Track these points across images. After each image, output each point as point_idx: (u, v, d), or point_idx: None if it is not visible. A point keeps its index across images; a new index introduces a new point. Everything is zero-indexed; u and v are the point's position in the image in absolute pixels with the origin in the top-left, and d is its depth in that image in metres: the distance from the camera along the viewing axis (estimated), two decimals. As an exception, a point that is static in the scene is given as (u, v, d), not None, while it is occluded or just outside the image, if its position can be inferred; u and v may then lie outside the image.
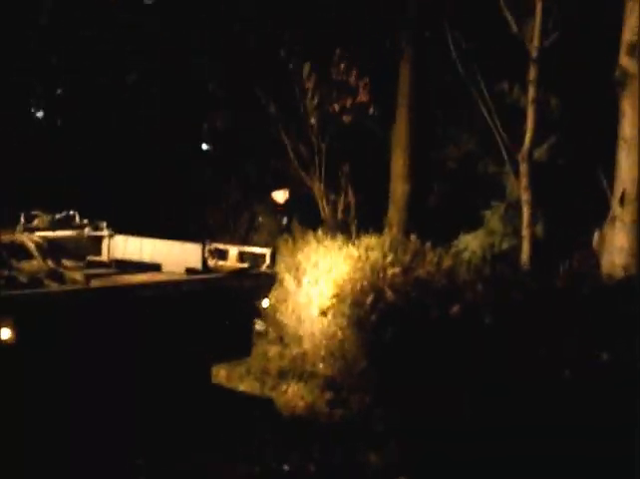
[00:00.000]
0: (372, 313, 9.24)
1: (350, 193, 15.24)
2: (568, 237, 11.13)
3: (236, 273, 9.17)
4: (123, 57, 16.82)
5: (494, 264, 10.09)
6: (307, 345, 11.28)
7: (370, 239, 11.30)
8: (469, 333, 7.79)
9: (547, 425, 7.42)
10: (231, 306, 9.08)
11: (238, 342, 9.47)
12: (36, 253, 8.09)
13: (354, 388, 9.65)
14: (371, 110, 15.62)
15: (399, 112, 15.67)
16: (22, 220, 9.08)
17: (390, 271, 9.64)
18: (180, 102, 17.10)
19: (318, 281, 11.41)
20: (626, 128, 10.14)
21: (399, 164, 15.57)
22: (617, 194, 10.21)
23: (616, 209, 10.20)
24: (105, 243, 9.65)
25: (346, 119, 15.54)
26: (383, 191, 15.77)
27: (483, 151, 13.92)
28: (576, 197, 11.65)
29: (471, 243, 12.24)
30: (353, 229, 14.05)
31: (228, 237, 14.77)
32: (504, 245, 12.04)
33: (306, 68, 14.63)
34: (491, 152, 13.42)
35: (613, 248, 9.92)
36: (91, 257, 9.49)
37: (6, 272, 7.71)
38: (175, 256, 9.28)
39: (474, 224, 13.15)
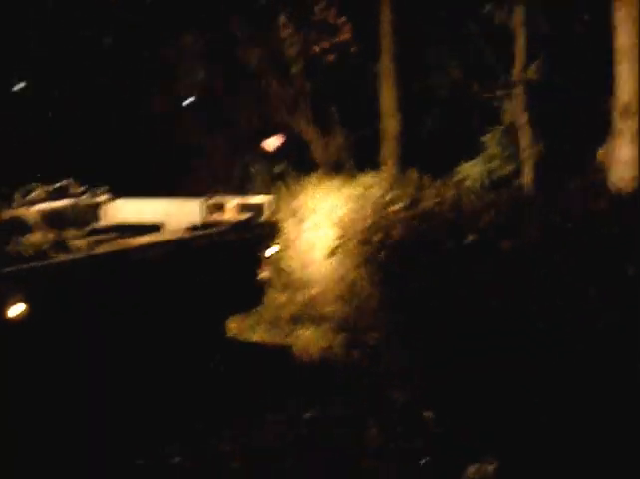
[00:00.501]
0: (380, 251, 9.13)
1: (340, 132, 15.10)
2: (569, 155, 10.97)
3: (238, 226, 9.11)
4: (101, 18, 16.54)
5: (500, 189, 9.97)
6: (316, 290, 11.19)
7: (368, 177, 11.16)
8: (486, 261, 7.66)
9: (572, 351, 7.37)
10: (237, 259, 9.04)
11: (248, 293, 9.46)
12: (37, 226, 8.02)
13: (368, 328, 9.58)
14: (353, 48, 15.42)
15: (383, 46, 15.42)
16: (18, 194, 8.98)
17: (391, 207, 9.53)
18: (155, 57, 16.83)
19: (319, 225, 11.31)
20: (622, 37, 9.93)
21: (387, 98, 15.37)
22: (618, 106, 10.04)
23: (618, 121, 10.03)
24: (103, 209, 9.57)
25: (329, 58, 15.35)
26: (374, 127, 15.57)
27: (472, 76, 13.73)
28: (575, 114, 11.46)
29: (471, 171, 12.10)
30: (349, 167, 13.94)
31: (222, 188, 14.64)
32: (505, 170, 11.89)
33: (282, 19, 14.46)
34: (480, 76, 13.27)
35: (619, 162, 9.79)
36: (92, 224, 9.40)
37: (10, 248, 7.64)
38: (176, 214, 9.23)
39: (470, 151, 13.01)
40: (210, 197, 8.88)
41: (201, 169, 16.14)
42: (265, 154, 15.80)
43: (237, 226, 8.81)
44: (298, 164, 15.17)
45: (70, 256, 7.61)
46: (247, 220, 8.95)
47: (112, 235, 9.06)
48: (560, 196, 8.78)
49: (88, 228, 9.24)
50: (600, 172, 10.27)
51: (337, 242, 10.59)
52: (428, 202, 9.46)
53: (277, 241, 10.09)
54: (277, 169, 15.56)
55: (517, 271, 7.65)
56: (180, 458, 7.34)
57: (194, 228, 8.74)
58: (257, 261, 9.39)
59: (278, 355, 9.84)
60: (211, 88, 16.53)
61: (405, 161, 14.17)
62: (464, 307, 7.86)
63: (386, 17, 15.07)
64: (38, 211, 8.30)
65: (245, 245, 9.02)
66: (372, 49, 15.56)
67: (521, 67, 10.38)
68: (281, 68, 15.26)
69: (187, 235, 8.60)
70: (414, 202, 9.58)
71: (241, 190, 14.98)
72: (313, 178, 12.62)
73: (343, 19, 15.34)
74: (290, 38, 14.60)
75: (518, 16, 10.33)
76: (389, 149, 15.20)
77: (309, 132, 15.30)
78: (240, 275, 9.08)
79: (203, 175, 15.75)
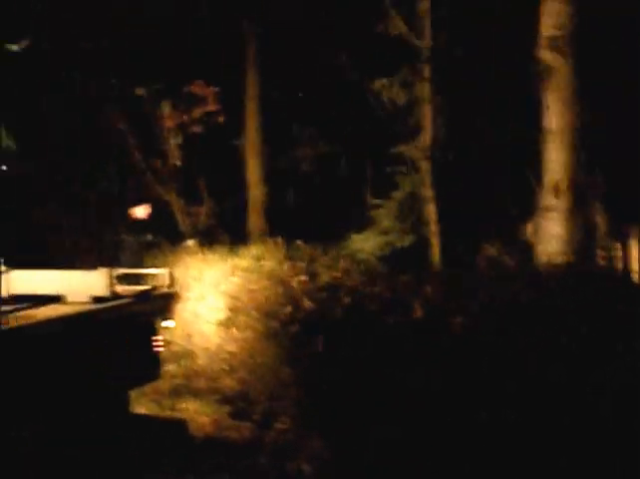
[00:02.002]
0: (291, 324, 9.25)
1: (208, 203, 15.24)
2: (473, 232, 11.35)
3: (141, 297, 9.10)
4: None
5: (402, 264, 10.25)
6: (201, 361, 11.17)
7: (255, 248, 11.30)
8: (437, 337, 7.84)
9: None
10: (139, 331, 9.02)
11: (148, 366, 9.40)
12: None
13: (270, 400, 9.63)
14: (221, 118, 15.65)
15: (248, 119, 15.75)
16: None
17: (295, 280, 9.69)
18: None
19: (204, 295, 11.35)
20: (552, 120, 10.48)
21: (253, 169, 15.66)
22: (548, 185, 10.55)
23: (547, 199, 10.54)
24: (2, 280, 9.33)
25: (196, 129, 15.51)
26: (243, 198, 15.80)
27: (341, 150, 14.11)
28: (484, 188, 11.88)
29: (364, 243, 12.35)
30: (221, 238, 14.05)
31: (94, 259, 14.44)
32: (403, 243, 12.19)
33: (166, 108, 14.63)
34: (348, 152, 13.63)
35: (549, 237, 10.28)
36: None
37: None
38: (78, 285, 9.10)
39: (347, 223, 13.30)
40: (114, 268, 8.82)
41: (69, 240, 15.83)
42: (134, 222, 15.70)
43: (141, 297, 8.77)
44: (166, 233, 15.17)
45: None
46: (149, 291, 8.93)
47: (14, 306, 8.84)
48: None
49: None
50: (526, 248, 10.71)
51: (228, 314, 10.64)
52: (330, 273, 9.65)
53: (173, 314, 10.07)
54: (148, 237, 15.48)
55: (459, 349, 7.87)
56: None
57: (100, 299, 8.64)
58: (156, 333, 9.36)
59: (175, 429, 9.74)
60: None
61: (271, 230, 14.38)
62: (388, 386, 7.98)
63: (251, 92, 15.38)
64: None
65: (147, 317, 9.00)
66: (238, 120, 15.84)
67: (430, 144, 10.69)
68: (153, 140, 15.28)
69: (99, 306, 8.50)
70: (314, 274, 9.76)
71: (113, 260, 14.83)
72: (190, 247, 12.65)
73: (211, 89, 15.53)
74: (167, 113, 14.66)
75: (425, 93, 10.62)
76: (255, 219, 15.43)
77: (177, 202, 15.33)
78: (142, 348, 9.05)
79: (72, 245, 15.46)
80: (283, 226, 14.55)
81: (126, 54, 15.37)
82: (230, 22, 15.41)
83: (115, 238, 15.85)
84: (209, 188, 15.57)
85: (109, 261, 14.73)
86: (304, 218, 14.72)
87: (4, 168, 16.77)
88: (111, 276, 8.93)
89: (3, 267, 9.35)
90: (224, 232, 14.32)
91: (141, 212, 15.55)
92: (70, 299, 9.16)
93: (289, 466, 8.70)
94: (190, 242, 13.42)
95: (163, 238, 14.69)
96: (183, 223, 15.47)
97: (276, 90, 15.56)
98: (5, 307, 8.80)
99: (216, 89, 15.21)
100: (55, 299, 9.18)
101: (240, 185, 15.82)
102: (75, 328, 8.31)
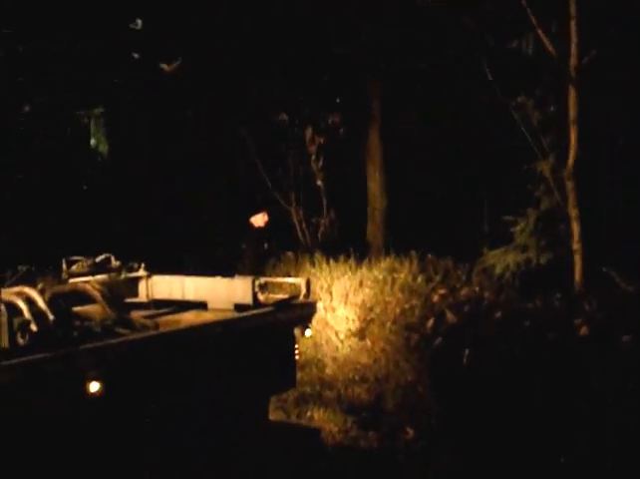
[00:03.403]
0: (434, 337, 9.21)
1: (329, 213, 15.29)
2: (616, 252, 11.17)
3: (282, 305, 9.12)
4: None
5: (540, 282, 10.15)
6: (329, 370, 11.20)
7: (390, 260, 11.30)
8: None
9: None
10: (279, 338, 9.05)
11: (286, 374, 9.43)
12: (101, 301, 7.90)
13: (402, 412, 9.61)
14: (341, 130, 15.74)
15: (371, 130, 15.79)
16: (64, 266, 8.85)
17: (437, 293, 9.66)
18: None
19: (335, 306, 11.38)
20: None
21: (375, 179, 15.68)
22: None
23: None
24: (142, 284, 9.45)
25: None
26: (358, 210, 15.83)
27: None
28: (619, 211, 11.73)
29: (499, 259, 12.26)
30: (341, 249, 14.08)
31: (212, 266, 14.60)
32: (541, 261, 12.08)
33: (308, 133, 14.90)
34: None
35: None
36: (129, 299, 9.28)
37: (78, 323, 7.51)
38: (222, 293, 9.15)
39: (474, 238, 13.22)
40: (258, 277, 8.85)
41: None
42: (253, 230, 15.84)
43: (282, 305, 8.79)
44: (283, 242, 15.28)
45: (143, 334, 7.49)
46: (289, 299, 8.95)
47: (158, 311, 8.94)
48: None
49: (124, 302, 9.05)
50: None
51: (361, 325, 10.65)
52: (469, 288, 9.60)
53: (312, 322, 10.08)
54: (265, 246, 15.62)
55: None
56: None
57: (243, 307, 8.68)
58: (295, 342, 9.39)
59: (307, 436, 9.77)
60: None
61: (395, 245, 14.35)
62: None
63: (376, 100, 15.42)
64: (100, 285, 8.15)
65: (287, 326, 9.02)
66: (358, 132, 15.91)
67: (573, 161, 10.56)
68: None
69: (244, 314, 8.54)
70: (452, 288, 9.72)
71: (232, 268, 14.98)
72: (316, 258, 12.71)
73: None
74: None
75: (571, 115, 10.48)
76: (375, 231, 15.43)
77: (297, 212, 15.41)
78: (282, 356, 9.08)
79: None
80: (403, 239, 14.54)
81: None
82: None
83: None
84: (330, 198, 15.60)
85: (229, 270, 14.95)
86: (425, 232, 14.67)
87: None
88: (254, 285, 8.95)
89: (144, 272, 9.50)
90: (345, 243, 14.31)
91: (259, 220, 15.66)
92: (212, 306, 9.22)
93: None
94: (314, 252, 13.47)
95: (282, 247, 14.77)
96: (303, 233, 15.50)
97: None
98: (147, 312, 8.96)
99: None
100: (198, 306, 9.25)
101: (362, 197, 15.85)
102: (221, 335, 8.34)
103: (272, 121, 15.93)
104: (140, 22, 16.65)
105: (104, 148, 18.33)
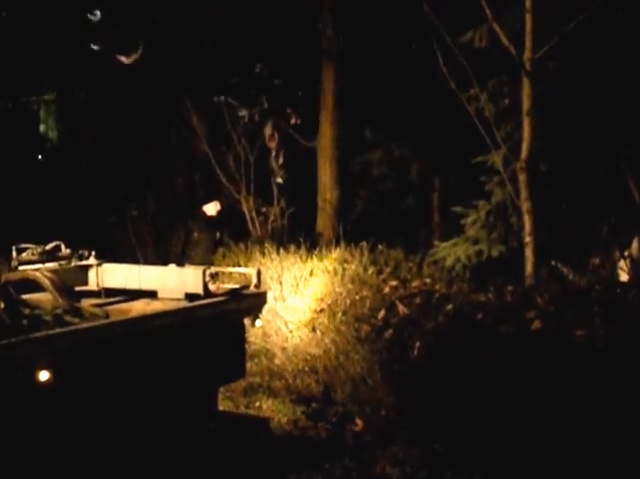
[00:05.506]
0: (385, 329, 9.23)
1: (282, 204, 15.27)
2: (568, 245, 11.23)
3: (234, 295, 9.09)
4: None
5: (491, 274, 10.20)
6: (278, 361, 11.19)
7: (340, 251, 11.30)
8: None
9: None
10: (229, 328, 9.03)
11: (235, 364, 9.41)
12: (51, 289, 7.82)
13: (351, 403, 9.62)
14: (293, 120, 15.71)
15: (322, 121, 15.77)
16: (14, 253, 8.75)
17: (388, 284, 9.68)
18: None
19: (284, 296, 11.37)
20: None
21: (325, 172, 15.67)
22: None
23: None
24: (93, 273, 9.37)
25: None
26: (309, 200, 15.83)
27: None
28: (572, 204, 11.79)
29: (450, 252, 12.29)
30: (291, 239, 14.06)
31: (163, 254, 14.56)
32: (492, 253, 12.13)
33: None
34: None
35: None
36: (79, 288, 9.19)
37: (28, 311, 7.42)
38: (172, 282, 9.10)
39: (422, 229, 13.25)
40: (209, 266, 8.82)
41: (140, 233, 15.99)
42: (205, 219, 15.79)
43: (233, 295, 8.77)
44: (234, 232, 15.24)
45: (90, 323, 7.43)
46: (240, 289, 8.92)
47: (109, 299, 8.87)
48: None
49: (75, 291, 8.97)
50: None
51: (312, 315, 10.65)
52: (419, 279, 9.63)
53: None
54: (217, 235, 15.56)
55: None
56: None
57: (194, 296, 8.63)
58: (245, 332, 9.37)
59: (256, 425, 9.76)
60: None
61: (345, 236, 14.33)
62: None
63: (327, 85, 15.41)
64: (50, 273, 8.07)
65: (237, 316, 9.00)
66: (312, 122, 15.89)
67: (527, 154, 10.59)
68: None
69: (198, 303, 8.50)
70: (403, 279, 9.75)
71: (182, 255, 14.93)
72: (266, 247, 12.68)
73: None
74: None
75: (525, 107, 10.52)
76: (326, 222, 15.43)
77: (249, 202, 15.37)
78: (231, 346, 9.06)
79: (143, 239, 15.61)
80: (354, 230, 14.55)
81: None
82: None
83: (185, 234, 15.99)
84: (281, 189, 15.57)
85: (178, 258, 14.92)
86: (376, 223, 14.70)
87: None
88: (205, 274, 8.90)
89: (94, 260, 9.42)
90: (295, 233, 14.29)
91: (211, 209, 15.61)
92: (163, 296, 9.16)
93: (373, 469, 8.67)
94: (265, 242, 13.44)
95: (234, 236, 14.72)
96: (252, 222, 15.47)
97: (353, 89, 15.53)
98: (97, 301, 8.89)
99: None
100: (148, 295, 9.18)
101: (313, 187, 15.83)
102: (171, 325, 8.29)
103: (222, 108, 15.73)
104: (98, 13, 16.52)
105: (53, 134, 18.14)
